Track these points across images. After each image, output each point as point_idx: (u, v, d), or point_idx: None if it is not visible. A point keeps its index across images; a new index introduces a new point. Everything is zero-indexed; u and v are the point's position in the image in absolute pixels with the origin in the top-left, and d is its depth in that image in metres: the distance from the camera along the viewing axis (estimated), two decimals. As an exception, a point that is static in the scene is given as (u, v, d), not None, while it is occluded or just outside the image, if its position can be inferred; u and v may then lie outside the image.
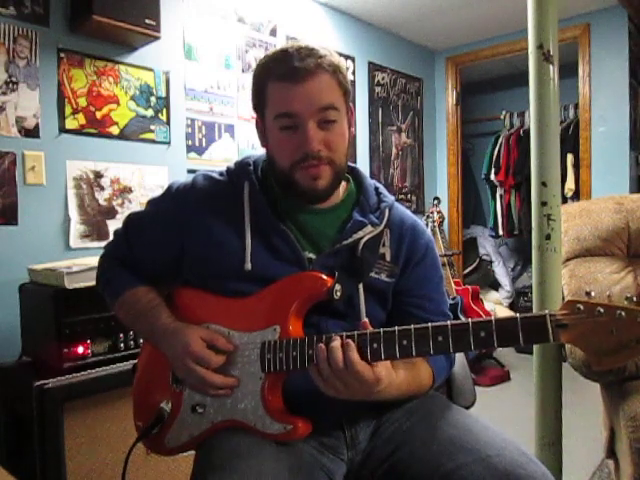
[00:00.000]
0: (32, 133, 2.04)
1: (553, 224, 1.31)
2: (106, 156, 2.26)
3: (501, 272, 4.57)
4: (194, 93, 2.59)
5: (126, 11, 2.08)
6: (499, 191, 4.28)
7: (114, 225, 2.22)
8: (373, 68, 3.68)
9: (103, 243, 1.16)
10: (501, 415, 2.53)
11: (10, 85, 1.99)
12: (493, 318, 0.78)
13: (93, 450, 1.57)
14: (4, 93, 1.97)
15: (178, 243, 1.02)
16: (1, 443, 1.70)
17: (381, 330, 0.83)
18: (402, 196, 3.95)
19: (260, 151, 1.08)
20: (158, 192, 1.11)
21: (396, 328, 0.83)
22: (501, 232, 4.31)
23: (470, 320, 0.79)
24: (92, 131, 2.22)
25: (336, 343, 0.82)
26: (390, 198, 1.06)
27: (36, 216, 2.05)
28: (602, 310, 0.72)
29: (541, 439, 1.34)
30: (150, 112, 2.41)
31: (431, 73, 4.29)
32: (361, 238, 0.97)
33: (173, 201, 1.04)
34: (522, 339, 0.76)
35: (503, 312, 4.15)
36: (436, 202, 3.90)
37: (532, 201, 1.35)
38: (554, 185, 1.31)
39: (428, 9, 3.43)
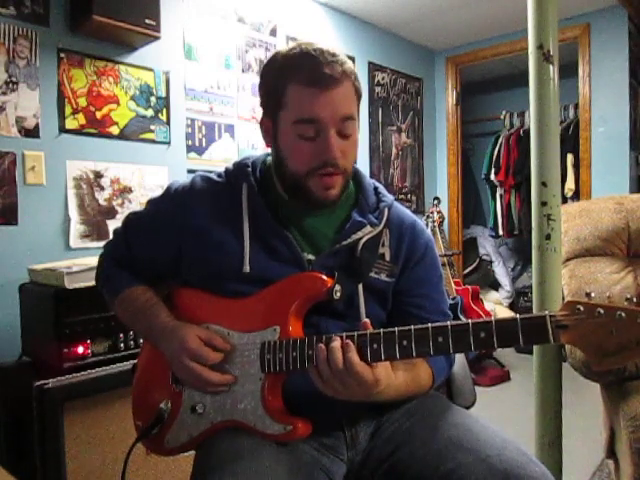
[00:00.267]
0: (32, 133, 2.04)
1: (553, 224, 1.31)
2: (106, 156, 2.26)
3: (501, 272, 4.57)
4: (194, 93, 2.59)
5: (126, 11, 2.08)
6: (499, 191, 4.28)
7: (114, 225, 2.22)
8: (373, 68, 3.68)
9: (103, 243, 1.16)
10: (501, 415, 2.53)
11: (10, 85, 1.99)
12: (493, 319, 0.78)
13: (93, 450, 1.57)
14: (4, 93, 1.97)
15: (176, 244, 1.02)
16: (1, 443, 1.70)
17: (381, 331, 0.83)
18: (402, 196, 3.95)
19: (260, 151, 1.08)
20: (158, 192, 1.11)
21: (396, 329, 0.83)
22: (501, 232, 4.31)
23: (470, 321, 0.79)
24: (92, 131, 2.22)
25: (336, 344, 0.82)
26: (389, 198, 1.06)
27: (36, 216, 2.05)
28: (602, 311, 0.72)
29: (541, 439, 1.34)
30: (150, 112, 2.41)
31: (431, 73, 4.29)
32: (360, 238, 0.97)
33: (172, 202, 1.04)
34: (522, 340, 0.76)
35: (503, 312, 4.15)
36: (436, 202, 3.90)
37: (532, 201, 1.35)
38: (554, 185, 1.31)
39: (428, 9, 3.43)
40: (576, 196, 3.79)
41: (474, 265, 4.62)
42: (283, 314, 0.91)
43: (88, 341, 1.61)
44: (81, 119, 2.18)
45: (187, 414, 0.96)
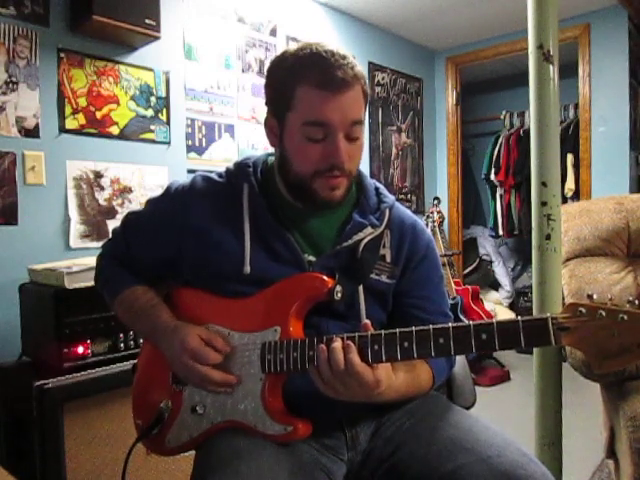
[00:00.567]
0: (32, 133, 2.04)
1: (553, 224, 1.30)
2: (106, 156, 2.26)
3: (501, 272, 4.57)
4: (194, 93, 2.59)
5: (126, 11, 2.08)
6: (499, 191, 4.28)
7: (114, 225, 2.21)
8: (373, 68, 3.68)
9: (103, 243, 1.16)
10: (501, 415, 2.53)
11: (10, 85, 1.99)
12: (494, 321, 0.78)
13: (93, 450, 1.57)
14: (4, 93, 1.97)
15: (175, 244, 1.01)
16: (1, 443, 1.70)
17: (382, 332, 0.83)
18: (402, 196, 3.95)
19: (260, 151, 1.07)
20: (158, 192, 1.11)
21: (397, 330, 0.83)
22: (501, 232, 4.31)
23: (471, 322, 0.79)
24: (92, 131, 2.22)
25: (337, 344, 0.82)
26: (390, 198, 1.06)
27: (36, 216, 2.05)
28: (604, 313, 0.72)
29: (541, 439, 1.34)
30: (150, 112, 2.41)
31: (431, 73, 4.29)
32: (361, 240, 0.97)
33: (172, 202, 1.04)
34: (524, 342, 0.75)
35: (503, 312, 4.16)
36: (436, 202, 3.90)
37: (532, 201, 1.34)
38: (554, 185, 1.31)
39: (428, 9, 3.43)
40: (576, 196, 3.79)
41: (474, 265, 4.62)
42: (284, 314, 0.91)
43: (88, 341, 1.61)
44: (81, 119, 2.18)
45: (187, 414, 0.96)
